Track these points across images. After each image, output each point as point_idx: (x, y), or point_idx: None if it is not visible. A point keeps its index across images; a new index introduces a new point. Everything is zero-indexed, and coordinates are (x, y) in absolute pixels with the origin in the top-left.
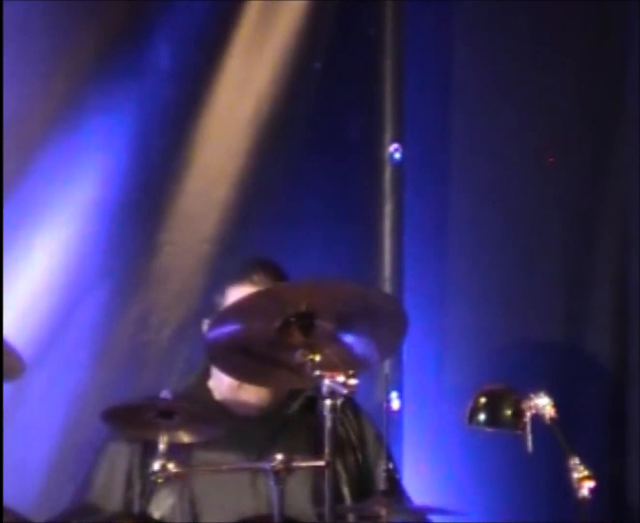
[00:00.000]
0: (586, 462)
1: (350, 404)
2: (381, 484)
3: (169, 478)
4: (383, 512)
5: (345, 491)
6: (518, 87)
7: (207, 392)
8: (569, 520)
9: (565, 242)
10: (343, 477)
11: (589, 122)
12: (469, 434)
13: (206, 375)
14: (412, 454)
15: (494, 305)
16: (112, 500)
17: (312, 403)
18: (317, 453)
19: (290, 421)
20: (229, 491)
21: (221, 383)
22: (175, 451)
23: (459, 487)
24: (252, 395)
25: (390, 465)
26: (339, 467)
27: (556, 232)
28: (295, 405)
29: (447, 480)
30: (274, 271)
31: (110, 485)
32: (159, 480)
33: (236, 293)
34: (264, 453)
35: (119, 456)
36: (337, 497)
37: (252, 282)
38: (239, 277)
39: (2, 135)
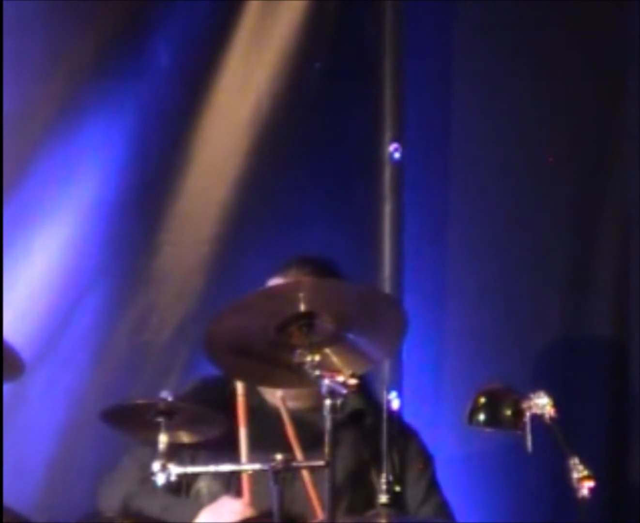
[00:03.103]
0: (586, 461)
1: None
2: (382, 496)
3: None
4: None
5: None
6: (518, 87)
7: (259, 394)
8: (568, 521)
9: (565, 242)
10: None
11: (588, 122)
12: (468, 434)
13: None
14: None
15: (493, 305)
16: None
17: (359, 415)
18: (358, 466)
19: (335, 432)
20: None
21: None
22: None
23: (458, 487)
24: (297, 401)
25: (391, 478)
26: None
27: (556, 232)
28: (340, 416)
29: (446, 479)
30: (311, 266)
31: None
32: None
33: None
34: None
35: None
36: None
37: (284, 276)
38: (275, 271)
39: (2, 135)
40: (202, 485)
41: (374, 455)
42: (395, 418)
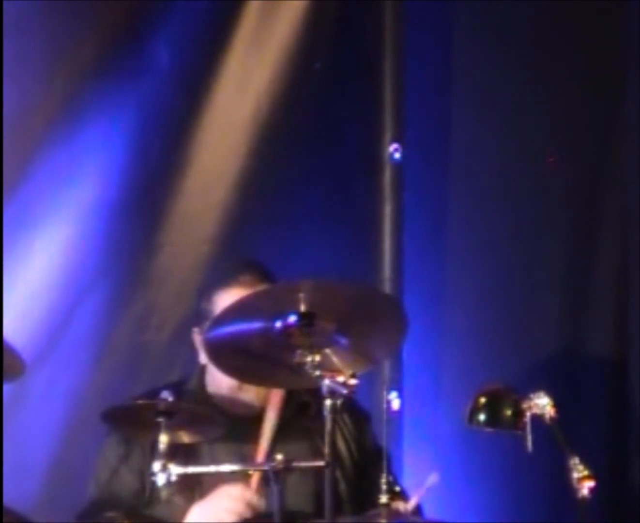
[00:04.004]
0: (586, 461)
1: (349, 410)
2: (382, 496)
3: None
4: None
5: (345, 498)
6: (518, 88)
7: (204, 391)
8: (568, 521)
9: (565, 242)
10: (341, 484)
11: (589, 122)
12: (468, 434)
13: (203, 374)
14: (411, 454)
15: (493, 305)
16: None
17: (306, 408)
18: (315, 455)
19: (287, 425)
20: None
21: (220, 383)
22: (179, 449)
23: (458, 487)
24: (253, 396)
25: (391, 478)
26: (337, 473)
27: (556, 232)
28: (288, 411)
29: (446, 480)
30: (260, 270)
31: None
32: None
33: (225, 297)
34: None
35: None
36: (336, 505)
37: (240, 284)
38: (226, 281)
39: (2, 135)
40: (164, 493)
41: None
42: (350, 401)
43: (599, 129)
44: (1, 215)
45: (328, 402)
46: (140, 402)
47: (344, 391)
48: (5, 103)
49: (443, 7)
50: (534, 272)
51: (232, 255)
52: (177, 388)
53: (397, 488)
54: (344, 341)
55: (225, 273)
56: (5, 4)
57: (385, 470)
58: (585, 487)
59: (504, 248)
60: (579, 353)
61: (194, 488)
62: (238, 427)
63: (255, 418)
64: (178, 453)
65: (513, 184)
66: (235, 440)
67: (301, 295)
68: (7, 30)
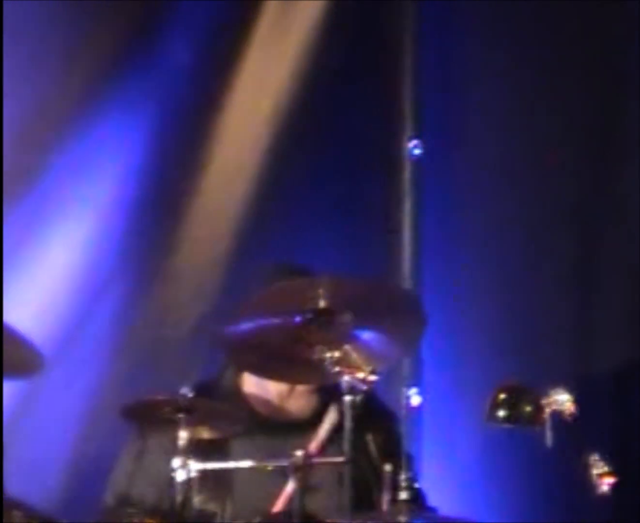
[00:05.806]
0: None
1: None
2: (402, 493)
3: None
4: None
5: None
6: (535, 85)
7: (238, 389)
8: (584, 520)
9: (569, 242)
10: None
11: (605, 120)
12: (487, 430)
13: (236, 374)
14: (430, 450)
15: (512, 302)
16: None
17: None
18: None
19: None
20: (268, 492)
21: (268, 388)
22: (213, 448)
23: (477, 484)
24: (303, 404)
25: (410, 474)
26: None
27: (566, 231)
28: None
29: (465, 476)
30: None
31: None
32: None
33: None
34: None
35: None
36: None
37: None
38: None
39: (11, 133)
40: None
41: (357, 449)
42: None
43: (610, 126)
44: (2, 214)
45: (347, 398)
46: (159, 398)
47: (364, 387)
48: (24, 100)
49: (461, 4)
50: (550, 269)
51: (260, 252)
52: (203, 386)
53: (416, 486)
54: (363, 337)
55: (272, 275)
56: (22, 2)
57: (404, 467)
58: (605, 483)
59: (524, 245)
60: (593, 351)
61: (225, 496)
62: (271, 429)
63: (289, 426)
64: (210, 452)
65: (532, 179)
66: (268, 442)
67: (320, 291)
68: (26, 27)
